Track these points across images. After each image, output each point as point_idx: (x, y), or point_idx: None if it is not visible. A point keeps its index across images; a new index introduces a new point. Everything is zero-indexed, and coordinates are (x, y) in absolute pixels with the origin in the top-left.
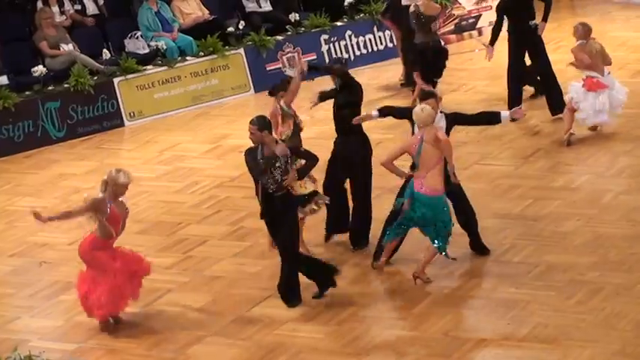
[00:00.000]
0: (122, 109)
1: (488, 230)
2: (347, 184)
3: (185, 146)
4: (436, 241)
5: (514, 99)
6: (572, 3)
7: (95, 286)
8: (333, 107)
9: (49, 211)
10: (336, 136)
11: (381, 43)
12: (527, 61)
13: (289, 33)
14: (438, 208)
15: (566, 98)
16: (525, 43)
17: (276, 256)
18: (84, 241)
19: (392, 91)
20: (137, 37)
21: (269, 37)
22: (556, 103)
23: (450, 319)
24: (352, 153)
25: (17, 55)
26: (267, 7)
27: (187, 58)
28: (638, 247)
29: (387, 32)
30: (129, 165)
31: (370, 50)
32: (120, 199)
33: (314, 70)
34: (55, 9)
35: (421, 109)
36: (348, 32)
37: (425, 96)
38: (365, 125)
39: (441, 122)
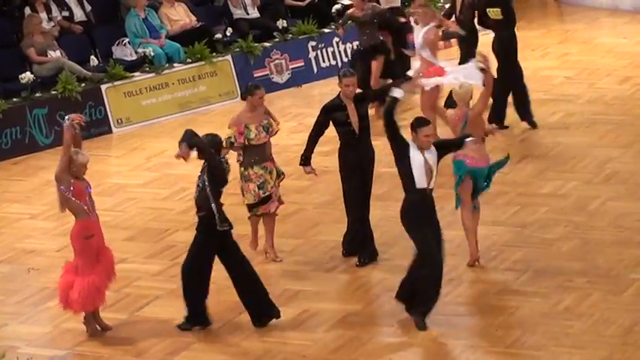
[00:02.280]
0: (110, 116)
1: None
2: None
3: (173, 153)
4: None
5: (501, 111)
6: (559, 10)
7: (77, 278)
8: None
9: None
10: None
11: None
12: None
13: (277, 40)
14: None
15: None
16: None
17: (263, 262)
18: (72, 229)
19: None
20: (125, 44)
21: (256, 44)
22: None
23: (438, 325)
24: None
25: (5, 62)
26: (254, 14)
27: (175, 64)
28: (626, 254)
29: None
30: (116, 172)
31: None
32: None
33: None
34: (43, 16)
35: (459, 87)
36: (336, 39)
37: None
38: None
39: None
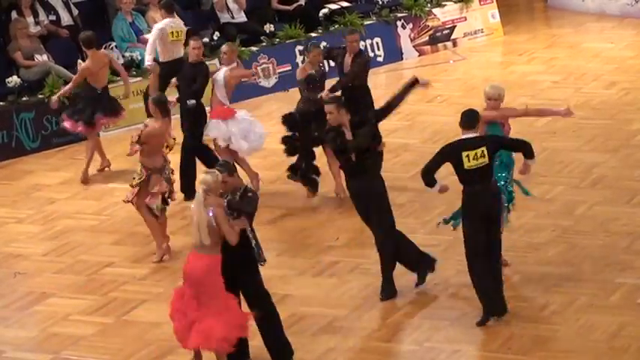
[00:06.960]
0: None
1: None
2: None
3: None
4: None
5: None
6: (546, 14)
7: (204, 313)
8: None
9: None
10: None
11: None
12: None
13: (264, 44)
14: None
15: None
16: None
17: None
18: (196, 263)
19: None
20: (112, 48)
21: (244, 48)
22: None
23: (424, 330)
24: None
25: None
26: (241, 18)
27: None
28: (612, 258)
29: (362, 42)
30: (103, 176)
31: None
32: None
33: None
34: (30, 19)
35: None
36: (323, 43)
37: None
38: None
39: None
